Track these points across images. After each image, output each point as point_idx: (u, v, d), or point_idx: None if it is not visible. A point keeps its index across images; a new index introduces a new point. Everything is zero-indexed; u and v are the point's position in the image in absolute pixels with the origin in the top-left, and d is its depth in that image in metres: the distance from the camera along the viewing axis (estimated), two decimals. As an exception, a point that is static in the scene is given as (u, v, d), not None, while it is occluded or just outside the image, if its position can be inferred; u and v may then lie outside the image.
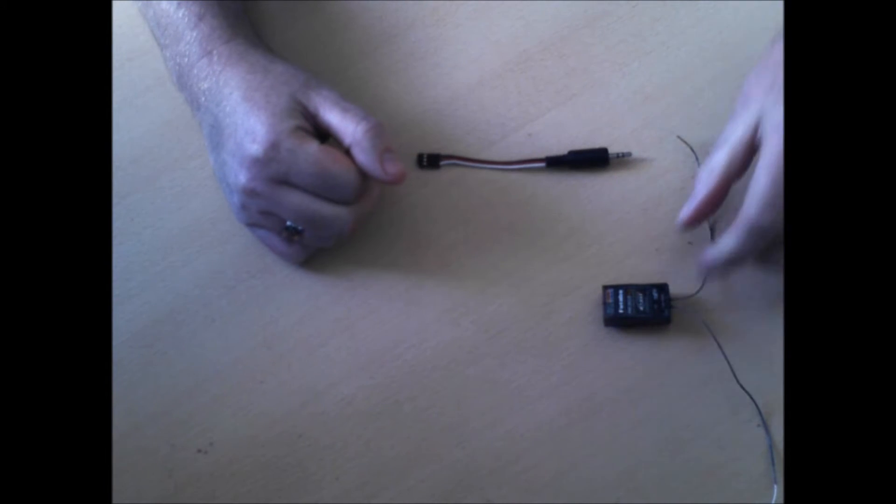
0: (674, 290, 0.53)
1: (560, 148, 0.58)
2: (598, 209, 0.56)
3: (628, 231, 0.55)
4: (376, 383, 0.54)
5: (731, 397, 0.52)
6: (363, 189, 0.52)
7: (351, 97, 0.52)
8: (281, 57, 0.54)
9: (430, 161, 0.58)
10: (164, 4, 0.54)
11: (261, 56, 0.53)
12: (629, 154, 0.57)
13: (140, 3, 0.57)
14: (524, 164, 0.58)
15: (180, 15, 0.54)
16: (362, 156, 0.50)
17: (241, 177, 0.50)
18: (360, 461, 0.52)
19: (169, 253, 0.57)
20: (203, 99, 0.53)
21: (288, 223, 0.52)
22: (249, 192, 0.51)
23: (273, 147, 0.49)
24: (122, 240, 0.57)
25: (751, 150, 0.49)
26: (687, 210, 0.51)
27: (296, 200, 0.51)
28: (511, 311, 0.55)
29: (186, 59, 0.53)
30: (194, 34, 0.53)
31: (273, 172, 0.50)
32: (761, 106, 0.49)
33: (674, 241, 0.55)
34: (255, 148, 0.49)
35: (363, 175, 0.51)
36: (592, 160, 0.57)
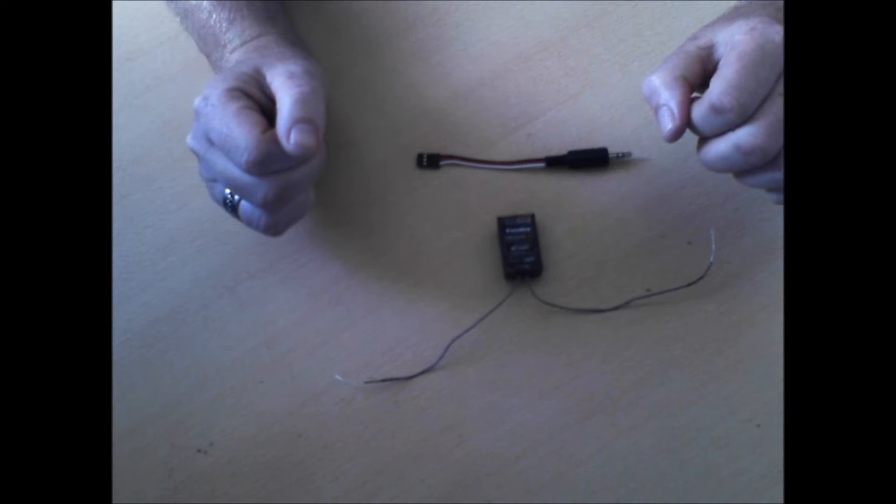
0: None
1: (560, 148, 0.58)
2: (598, 209, 0.56)
3: (628, 231, 0.55)
4: (376, 383, 0.54)
5: (731, 397, 0.52)
6: (273, 160, 0.46)
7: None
8: (308, 54, 0.53)
9: (430, 161, 0.58)
10: (204, 14, 0.55)
11: (285, 48, 0.52)
12: (629, 154, 0.57)
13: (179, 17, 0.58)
14: (524, 164, 0.58)
15: (213, 20, 0.54)
16: (278, 121, 0.46)
17: (188, 136, 0.49)
18: (360, 461, 0.52)
19: (169, 253, 0.57)
20: None
21: (226, 191, 0.50)
22: (193, 152, 0.49)
23: (204, 100, 0.47)
24: (122, 240, 0.57)
25: (700, 61, 0.47)
26: (673, 124, 0.47)
27: (219, 162, 0.48)
28: (511, 311, 0.55)
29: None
30: (230, 41, 0.54)
31: (201, 129, 0.48)
32: (716, 32, 0.47)
33: (673, 240, 0.55)
34: (195, 102, 0.48)
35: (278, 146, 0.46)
36: (592, 160, 0.57)
